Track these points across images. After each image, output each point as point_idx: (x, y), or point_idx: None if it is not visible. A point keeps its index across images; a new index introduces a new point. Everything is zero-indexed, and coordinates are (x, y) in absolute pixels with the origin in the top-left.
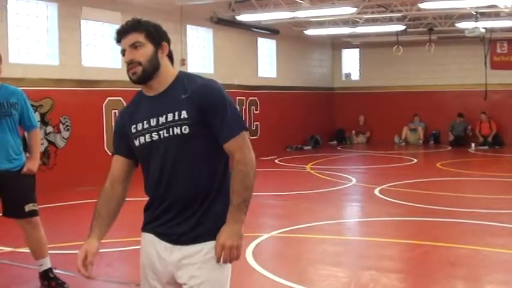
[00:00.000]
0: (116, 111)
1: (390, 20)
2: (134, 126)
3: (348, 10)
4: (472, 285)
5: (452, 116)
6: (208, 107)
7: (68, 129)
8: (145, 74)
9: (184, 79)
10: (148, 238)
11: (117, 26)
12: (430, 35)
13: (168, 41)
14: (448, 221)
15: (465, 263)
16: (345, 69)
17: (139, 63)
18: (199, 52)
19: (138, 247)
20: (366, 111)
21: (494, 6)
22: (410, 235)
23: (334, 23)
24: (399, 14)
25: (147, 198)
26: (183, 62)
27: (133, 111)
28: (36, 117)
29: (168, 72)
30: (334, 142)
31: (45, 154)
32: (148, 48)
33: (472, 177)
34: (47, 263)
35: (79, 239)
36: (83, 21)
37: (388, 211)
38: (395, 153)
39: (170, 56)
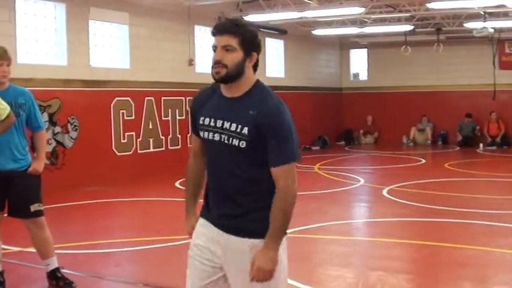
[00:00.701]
0: (124, 111)
1: (398, 20)
2: (202, 118)
3: (356, 10)
4: (480, 285)
5: (460, 116)
6: (269, 129)
7: (76, 130)
8: (228, 77)
9: (258, 93)
10: (205, 222)
11: (125, 26)
12: (438, 35)
13: (259, 51)
14: (456, 221)
15: (473, 263)
16: (353, 69)
17: (225, 66)
18: (207, 52)
19: (146, 247)
20: (374, 112)
21: (503, 6)
22: (418, 236)
23: (342, 23)
24: (407, 14)
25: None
26: (191, 62)
27: (205, 101)
28: (44, 117)
29: (248, 81)
30: (342, 142)
31: (53, 154)
32: (238, 54)
33: (480, 178)
34: (54, 263)
35: (87, 239)
36: (91, 22)
37: (396, 212)
38: (403, 154)
39: (255, 65)
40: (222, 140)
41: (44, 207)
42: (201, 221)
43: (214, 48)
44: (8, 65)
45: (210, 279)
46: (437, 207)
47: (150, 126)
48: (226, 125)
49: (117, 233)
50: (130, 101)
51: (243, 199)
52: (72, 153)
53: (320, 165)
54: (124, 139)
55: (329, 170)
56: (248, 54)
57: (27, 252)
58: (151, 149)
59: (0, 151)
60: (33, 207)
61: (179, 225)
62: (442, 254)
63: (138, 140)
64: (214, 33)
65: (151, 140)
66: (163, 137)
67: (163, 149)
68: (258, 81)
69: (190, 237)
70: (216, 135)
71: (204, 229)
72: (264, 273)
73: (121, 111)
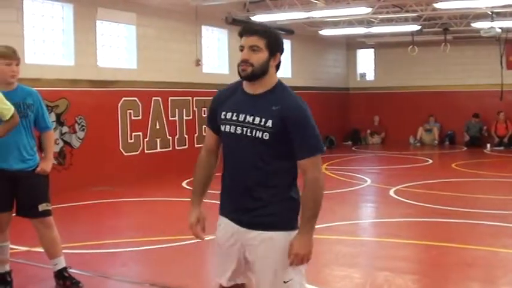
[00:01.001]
0: (131, 111)
1: (405, 20)
2: (224, 113)
3: (363, 10)
4: (488, 286)
5: (467, 116)
6: (293, 124)
7: (83, 130)
8: (253, 75)
9: (280, 91)
10: (223, 220)
11: (133, 27)
12: (445, 35)
13: (282, 52)
14: (464, 222)
15: (481, 264)
16: (360, 70)
17: (252, 65)
18: (214, 53)
19: (153, 247)
20: (380, 112)
21: (510, 6)
22: (426, 236)
23: (349, 23)
24: (414, 14)
25: (222, 182)
26: (198, 62)
27: (228, 97)
28: (51, 117)
29: (271, 79)
30: (349, 142)
31: (60, 154)
32: (264, 54)
33: (488, 178)
34: (61, 263)
35: (93, 239)
36: (98, 22)
37: (403, 212)
38: (410, 154)
39: (278, 65)
40: (245, 133)
41: (51, 207)
42: (220, 219)
43: (242, 48)
44: (17, 65)
45: (236, 271)
46: (444, 208)
47: (157, 127)
48: (249, 118)
49: (124, 233)
50: (138, 101)
51: (263, 192)
52: (80, 153)
53: (327, 166)
54: (131, 139)
55: (336, 170)
56: (273, 54)
57: (35, 252)
58: (159, 149)
59: (9, 151)
60: (42, 207)
61: (186, 225)
62: (449, 254)
63: (145, 140)
64: (242, 35)
65: (158, 140)
66: (170, 137)
67: (171, 149)
68: (279, 81)
69: (192, 229)
70: (238, 128)
71: (222, 226)
72: (301, 257)
73: (128, 111)
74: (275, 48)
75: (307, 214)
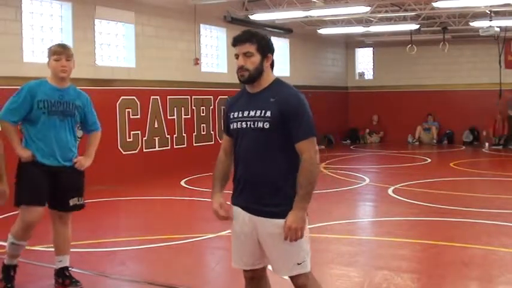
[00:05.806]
0: (130, 110)
1: (404, 19)
2: (233, 113)
3: (362, 9)
4: (486, 285)
5: (465, 115)
6: (289, 112)
7: (81, 128)
8: (251, 78)
9: (277, 86)
10: (235, 209)
11: (131, 25)
12: (444, 34)
13: (273, 52)
14: (462, 221)
15: (479, 263)
16: (359, 69)
17: (248, 70)
18: (213, 51)
19: (151, 246)
20: (379, 111)
21: (509, 5)
22: (424, 235)
23: (348, 22)
24: (413, 13)
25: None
26: (197, 61)
27: (235, 101)
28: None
29: (267, 77)
30: (348, 141)
31: None
32: (256, 58)
33: (486, 177)
34: (66, 261)
35: (92, 238)
36: (96, 21)
37: (402, 211)
38: (408, 153)
39: (272, 64)
40: (248, 126)
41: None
42: (233, 208)
43: (237, 56)
44: (67, 60)
45: (253, 257)
46: (443, 207)
47: (156, 125)
48: (252, 113)
49: (123, 232)
50: (136, 100)
51: (269, 182)
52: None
53: (325, 165)
54: (129, 138)
55: (334, 169)
56: (264, 56)
57: (33, 251)
58: (157, 148)
59: (52, 148)
60: (72, 201)
61: (185, 225)
62: (447, 253)
63: (144, 138)
64: (235, 44)
65: (156, 139)
66: (168, 136)
67: (169, 147)
68: (277, 78)
69: (216, 213)
70: (243, 123)
71: (236, 215)
72: (294, 230)
73: (126, 110)
74: (266, 51)
75: (302, 192)
